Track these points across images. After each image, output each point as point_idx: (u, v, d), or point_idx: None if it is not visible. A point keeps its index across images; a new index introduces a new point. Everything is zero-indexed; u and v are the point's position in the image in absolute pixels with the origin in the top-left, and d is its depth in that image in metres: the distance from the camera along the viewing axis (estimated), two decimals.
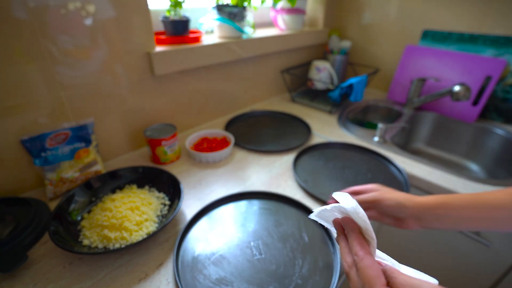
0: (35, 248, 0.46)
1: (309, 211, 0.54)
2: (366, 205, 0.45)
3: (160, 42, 0.72)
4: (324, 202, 0.57)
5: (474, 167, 0.97)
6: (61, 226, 0.47)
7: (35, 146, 0.55)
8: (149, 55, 0.67)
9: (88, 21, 0.56)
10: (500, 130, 0.91)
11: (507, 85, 0.91)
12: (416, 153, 1.06)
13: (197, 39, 0.78)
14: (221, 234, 0.49)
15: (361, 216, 0.28)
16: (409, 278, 0.23)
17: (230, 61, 0.88)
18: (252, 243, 0.48)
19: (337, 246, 0.47)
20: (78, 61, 0.57)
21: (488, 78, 0.90)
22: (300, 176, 0.65)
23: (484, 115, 0.97)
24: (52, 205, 0.55)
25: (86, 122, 0.61)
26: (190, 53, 0.74)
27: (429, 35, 1.02)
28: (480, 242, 0.63)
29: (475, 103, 0.93)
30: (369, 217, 0.44)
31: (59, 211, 0.49)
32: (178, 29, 0.74)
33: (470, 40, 0.94)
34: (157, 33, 0.77)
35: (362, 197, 0.46)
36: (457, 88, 0.85)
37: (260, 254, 0.46)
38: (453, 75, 0.96)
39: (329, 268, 0.44)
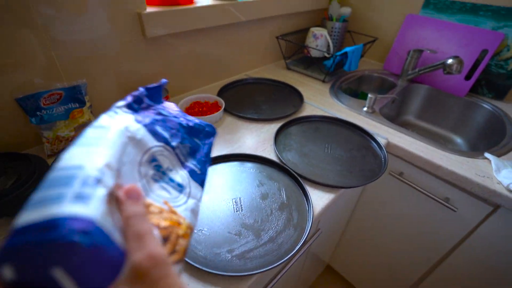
0: None
1: (289, 172, 0.58)
2: None
3: (151, 2, 0.71)
4: (298, 175, 0.61)
5: (458, 140, 1.00)
6: None
7: (30, 105, 0.57)
8: (139, 16, 0.66)
9: None
10: (488, 105, 0.92)
11: (501, 59, 0.90)
12: (405, 125, 1.08)
13: (190, 0, 0.77)
14: (206, 191, 0.54)
15: None
16: None
17: (225, 24, 0.86)
18: (234, 200, 0.52)
19: (312, 203, 0.51)
20: (69, 20, 0.57)
21: (484, 52, 0.89)
22: (280, 144, 0.68)
23: (475, 90, 0.98)
24: (50, 162, 0.59)
25: (78, 83, 0.62)
26: (182, 15, 0.73)
27: (431, 3, 0.99)
28: (448, 207, 0.68)
29: (468, 77, 0.93)
30: None
31: None
32: None
33: (471, 10, 0.91)
34: None
35: None
36: (450, 60, 0.85)
37: (241, 209, 0.51)
38: (450, 47, 0.95)
39: (303, 222, 0.49)
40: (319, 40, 1.03)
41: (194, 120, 0.30)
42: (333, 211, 0.74)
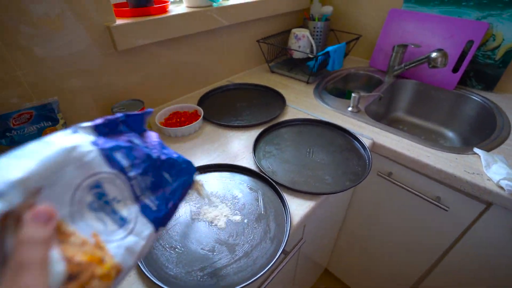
0: None
1: (268, 181, 0.56)
2: None
3: (121, 14, 0.70)
4: (274, 181, 0.58)
5: (450, 134, 0.97)
6: None
7: None
8: (109, 29, 0.65)
9: None
10: (478, 97, 0.90)
11: (488, 49, 0.88)
12: (396, 122, 1.06)
13: (163, 9, 0.75)
14: (181, 205, 0.52)
15: None
16: None
17: (204, 31, 0.85)
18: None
19: (290, 213, 0.49)
20: (47, 37, 0.56)
21: (470, 43, 0.87)
22: (260, 151, 0.66)
23: (464, 82, 0.95)
24: None
25: (49, 101, 0.61)
26: (155, 25, 0.71)
27: None
28: (439, 206, 0.65)
29: (456, 69, 0.91)
30: None
31: None
32: (140, 0, 0.70)
33: (454, 1, 0.89)
34: (119, 5, 0.74)
35: None
36: (434, 54, 0.82)
37: (216, 224, 0.48)
38: (435, 40, 0.93)
39: (281, 234, 0.47)
40: (301, 41, 1.01)
41: (171, 154, 0.28)
42: (320, 217, 0.71)
